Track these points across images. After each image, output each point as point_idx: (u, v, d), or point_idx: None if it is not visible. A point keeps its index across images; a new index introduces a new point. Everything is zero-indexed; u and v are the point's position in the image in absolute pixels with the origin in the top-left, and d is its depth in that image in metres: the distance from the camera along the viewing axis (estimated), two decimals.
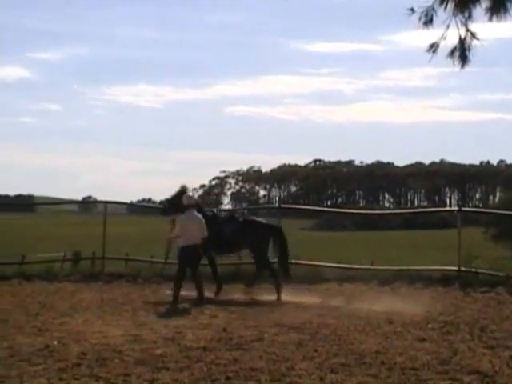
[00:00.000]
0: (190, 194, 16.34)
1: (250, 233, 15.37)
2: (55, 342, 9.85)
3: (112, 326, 11.32)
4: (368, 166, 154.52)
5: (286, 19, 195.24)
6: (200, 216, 14.52)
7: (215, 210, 17.59)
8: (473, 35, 10.47)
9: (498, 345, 10.10)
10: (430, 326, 11.63)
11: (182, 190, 15.73)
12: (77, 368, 8.45)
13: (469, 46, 10.49)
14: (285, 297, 14.77)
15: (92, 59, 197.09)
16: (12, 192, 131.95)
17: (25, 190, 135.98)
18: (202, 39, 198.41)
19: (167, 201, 16.17)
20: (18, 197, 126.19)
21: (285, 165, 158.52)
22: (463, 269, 17.46)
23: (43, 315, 12.36)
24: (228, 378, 8.09)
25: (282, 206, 22.77)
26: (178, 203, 15.28)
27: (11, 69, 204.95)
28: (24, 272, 18.22)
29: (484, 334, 10.97)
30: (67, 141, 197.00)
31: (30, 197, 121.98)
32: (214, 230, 15.02)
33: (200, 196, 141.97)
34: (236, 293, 15.22)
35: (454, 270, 17.59)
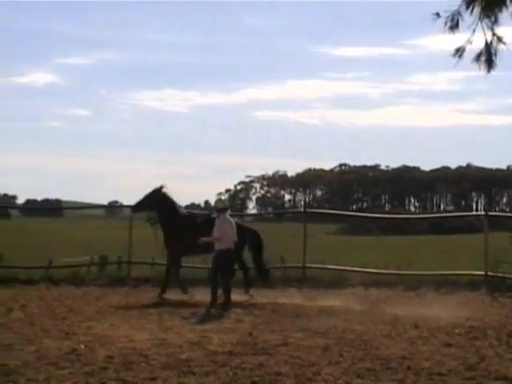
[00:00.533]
0: (222, 197, 16.47)
1: None
2: (82, 346, 9.91)
3: (138, 330, 11.38)
4: (394, 170, 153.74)
5: (312, 24, 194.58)
6: (233, 220, 14.59)
7: (190, 211, 17.58)
8: (499, 39, 10.43)
9: None
10: (456, 331, 11.55)
11: (158, 189, 15.81)
12: (103, 372, 8.51)
13: (495, 50, 10.44)
14: (310, 301, 14.76)
15: (119, 64, 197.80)
16: (39, 196, 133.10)
17: (52, 195, 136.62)
18: (227, 44, 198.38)
19: (142, 199, 16.06)
20: (46, 201, 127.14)
21: (310, 169, 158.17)
22: (490, 274, 17.34)
23: (70, 319, 12.44)
24: (254, 383, 8.10)
25: (308, 210, 22.75)
26: (153, 201, 15.47)
27: (40, 74, 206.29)
28: (51, 276, 18.36)
29: (511, 339, 10.88)
30: (95, 145, 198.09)
31: (57, 201, 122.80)
32: (192, 230, 15.10)
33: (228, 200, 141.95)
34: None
35: (481, 275, 17.47)
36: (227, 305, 13.90)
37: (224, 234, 14.13)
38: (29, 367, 8.67)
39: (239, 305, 14.19)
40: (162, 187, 15.95)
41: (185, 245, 15.47)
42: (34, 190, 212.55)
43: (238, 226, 15.26)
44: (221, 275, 14.11)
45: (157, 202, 15.80)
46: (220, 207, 14.62)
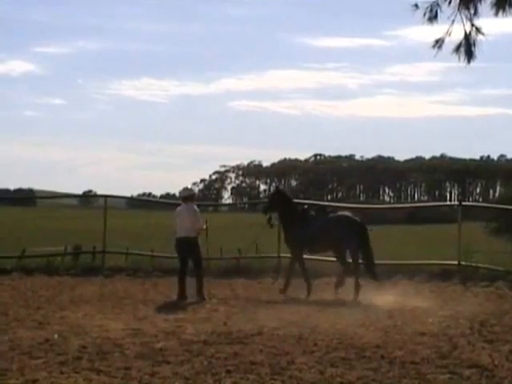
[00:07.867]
0: (189, 186, 16.32)
1: None
2: (56, 336, 9.88)
3: (112, 319, 11.34)
4: (368, 160, 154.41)
5: (291, 14, 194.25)
6: (196, 208, 14.60)
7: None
8: (478, 30, 10.45)
9: (498, 339, 10.11)
10: (429, 320, 11.64)
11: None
12: (77, 361, 8.48)
13: (474, 42, 10.47)
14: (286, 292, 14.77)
15: (96, 53, 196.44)
16: (12, 186, 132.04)
17: (25, 184, 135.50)
18: (206, 33, 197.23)
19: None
20: (18, 191, 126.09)
21: (285, 159, 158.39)
22: (463, 263, 17.45)
23: (44, 309, 12.38)
24: (228, 372, 8.10)
25: None
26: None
27: (16, 62, 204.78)
28: (24, 266, 18.22)
29: (484, 328, 10.98)
30: (70, 135, 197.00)
31: (30, 191, 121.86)
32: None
33: (200, 190, 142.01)
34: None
35: (454, 265, 17.58)
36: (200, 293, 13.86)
37: (191, 222, 14.13)
38: (2, 357, 8.62)
39: (214, 295, 14.18)
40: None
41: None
42: (7, 179, 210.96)
43: (347, 218, 15.01)
44: (193, 264, 14.16)
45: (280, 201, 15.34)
46: (185, 195, 14.69)
